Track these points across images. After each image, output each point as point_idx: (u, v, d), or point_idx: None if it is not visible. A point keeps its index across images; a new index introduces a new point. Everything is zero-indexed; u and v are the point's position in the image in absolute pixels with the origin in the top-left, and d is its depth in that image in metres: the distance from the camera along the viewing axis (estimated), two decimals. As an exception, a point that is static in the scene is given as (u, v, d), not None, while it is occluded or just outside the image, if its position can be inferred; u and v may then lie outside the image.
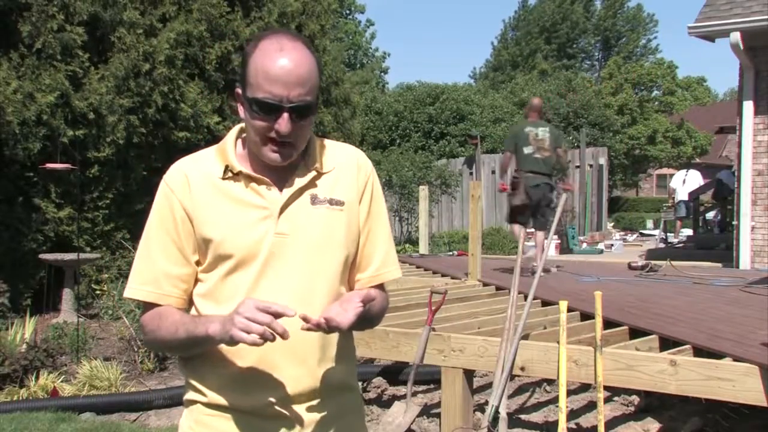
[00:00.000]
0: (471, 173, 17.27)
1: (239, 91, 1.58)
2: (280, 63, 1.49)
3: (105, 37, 8.82)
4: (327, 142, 1.69)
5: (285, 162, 1.55)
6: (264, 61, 1.50)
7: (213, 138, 8.93)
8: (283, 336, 1.39)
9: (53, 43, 8.20)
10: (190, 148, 1.72)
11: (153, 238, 1.60)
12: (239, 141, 1.64)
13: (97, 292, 7.78)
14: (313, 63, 1.53)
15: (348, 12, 33.79)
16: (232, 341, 1.41)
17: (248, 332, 1.37)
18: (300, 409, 1.57)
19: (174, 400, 5.02)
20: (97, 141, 8.64)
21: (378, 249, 1.68)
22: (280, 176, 1.59)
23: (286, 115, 1.49)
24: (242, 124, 1.64)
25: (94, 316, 8.08)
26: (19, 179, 8.35)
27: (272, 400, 1.55)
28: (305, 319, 1.44)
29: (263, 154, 1.54)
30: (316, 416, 1.58)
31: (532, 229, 7.82)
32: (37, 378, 5.44)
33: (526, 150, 7.73)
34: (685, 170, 15.59)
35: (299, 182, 1.59)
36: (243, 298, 1.52)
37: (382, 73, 35.31)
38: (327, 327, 1.45)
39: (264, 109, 1.50)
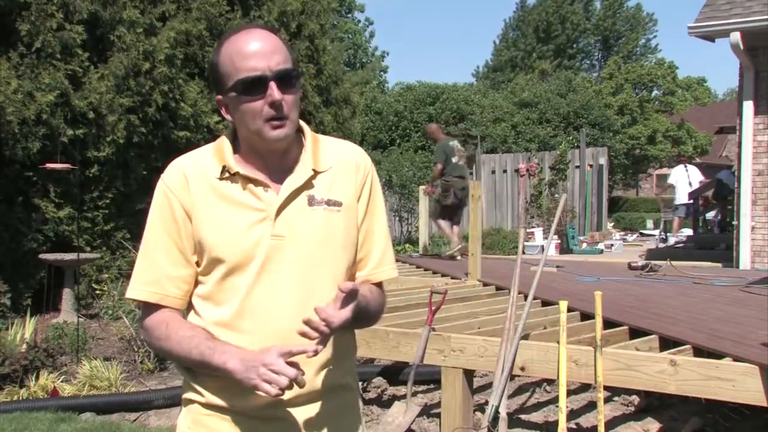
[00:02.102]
0: (471, 173, 17.26)
1: (220, 96, 1.58)
2: (249, 42, 1.52)
3: (105, 36, 8.81)
4: (324, 138, 1.67)
5: (286, 136, 1.54)
6: (234, 47, 1.53)
7: (213, 137, 8.84)
8: (300, 385, 1.42)
9: (53, 42, 8.19)
10: (190, 147, 1.71)
11: (154, 239, 1.59)
12: (233, 145, 1.62)
13: (97, 292, 7.77)
14: (281, 41, 1.56)
15: (347, 11, 33.77)
16: (255, 389, 1.41)
17: (271, 383, 1.38)
18: (297, 409, 1.56)
19: (174, 400, 5.01)
20: (97, 140, 8.64)
21: (375, 248, 1.67)
22: (276, 177, 1.58)
23: (273, 83, 1.50)
24: (229, 132, 1.64)
25: (94, 316, 8.08)
26: (18, 179, 8.34)
27: (270, 401, 1.53)
28: (307, 323, 1.42)
29: (264, 136, 1.52)
30: (314, 417, 1.57)
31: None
32: (37, 378, 5.43)
33: (455, 159, 9.43)
34: (683, 167, 14.97)
35: (296, 183, 1.57)
36: (241, 301, 1.52)
37: (382, 72, 35.31)
38: (322, 324, 1.42)
39: (251, 87, 1.50)
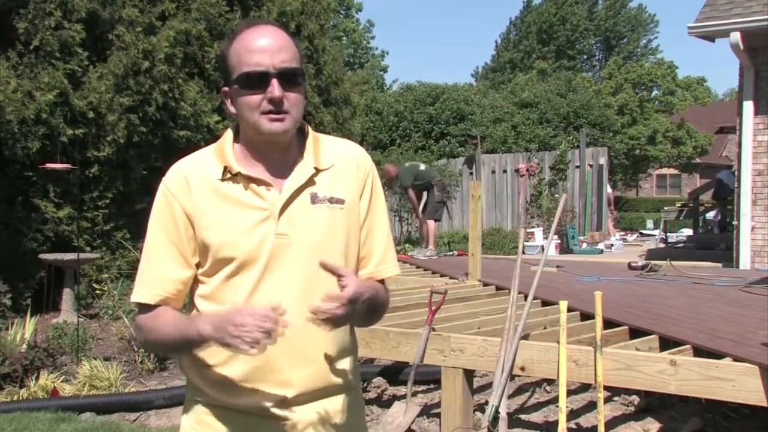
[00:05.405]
0: (471, 173, 17.26)
1: (226, 88, 1.60)
2: (258, 37, 1.54)
3: (104, 35, 8.80)
4: (324, 137, 1.68)
5: (284, 131, 1.54)
6: (243, 41, 1.55)
7: (213, 137, 8.91)
8: (279, 331, 1.39)
9: (51, 41, 8.18)
10: (190, 147, 1.72)
11: (154, 241, 1.60)
12: (236, 142, 1.63)
13: (97, 291, 7.77)
14: (291, 38, 1.58)
15: (346, 10, 33.74)
16: (228, 348, 1.41)
17: (243, 339, 1.37)
18: (301, 408, 1.56)
19: (174, 400, 5.01)
20: (97, 140, 8.63)
21: (377, 246, 1.68)
22: (278, 175, 1.58)
23: (275, 81, 1.51)
24: (233, 126, 1.64)
25: (94, 316, 8.07)
26: (18, 179, 8.34)
27: (273, 400, 1.54)
28: (313, 312, 1.42)
29: (261, 128, 1.53)
30: (318, 416, 1.58)
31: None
32: (37, 378, 5.43)
33: (423, 167, 10.84)
34: None
35: (298, 181, 1.57)
36: (245, 299, 1.52)
37: (381, 71, 35.30)
38: (330, 309, 1.42)
39: (253, 82, 1.52)
